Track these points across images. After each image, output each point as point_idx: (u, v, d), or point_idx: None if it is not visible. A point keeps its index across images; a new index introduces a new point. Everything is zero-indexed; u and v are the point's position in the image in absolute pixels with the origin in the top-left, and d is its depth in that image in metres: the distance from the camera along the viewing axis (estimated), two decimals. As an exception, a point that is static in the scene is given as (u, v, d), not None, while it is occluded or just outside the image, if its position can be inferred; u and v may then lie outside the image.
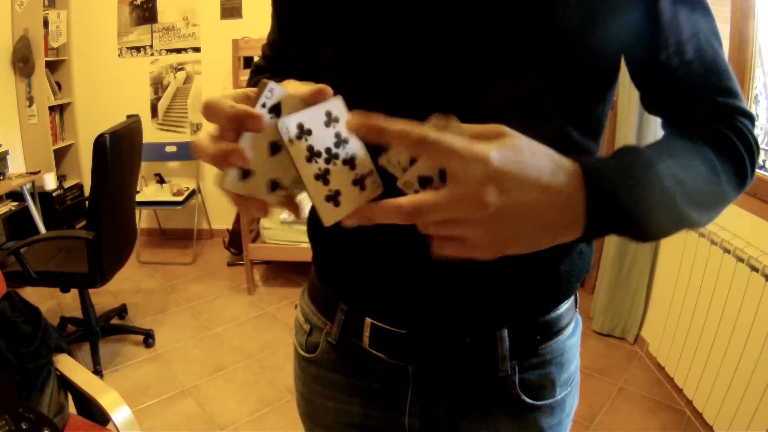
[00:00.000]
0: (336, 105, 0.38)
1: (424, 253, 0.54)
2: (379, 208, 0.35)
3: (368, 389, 0.65)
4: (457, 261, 0.54)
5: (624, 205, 0.39)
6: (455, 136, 0.34)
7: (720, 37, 0.47)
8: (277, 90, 0.37)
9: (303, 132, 0.36)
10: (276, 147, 0.38)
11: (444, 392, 0.61)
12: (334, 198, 0.37)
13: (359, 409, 0.66)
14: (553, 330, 0.61)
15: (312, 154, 0.37)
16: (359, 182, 0.38)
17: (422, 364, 0.61)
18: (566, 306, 0.62)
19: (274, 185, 0.39)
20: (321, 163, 0.37)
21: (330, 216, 0.37)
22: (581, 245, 0.60)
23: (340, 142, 0.38)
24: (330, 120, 0.37)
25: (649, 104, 0.51)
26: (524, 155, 0.35)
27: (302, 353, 0.70)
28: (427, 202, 0.34)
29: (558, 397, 0.63)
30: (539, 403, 0.61)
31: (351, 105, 0.38)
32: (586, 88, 0.50)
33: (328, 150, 0.37)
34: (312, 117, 0.37)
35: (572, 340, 0.64)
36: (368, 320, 0.61)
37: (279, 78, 0.65)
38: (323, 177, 0.37)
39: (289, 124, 0.36)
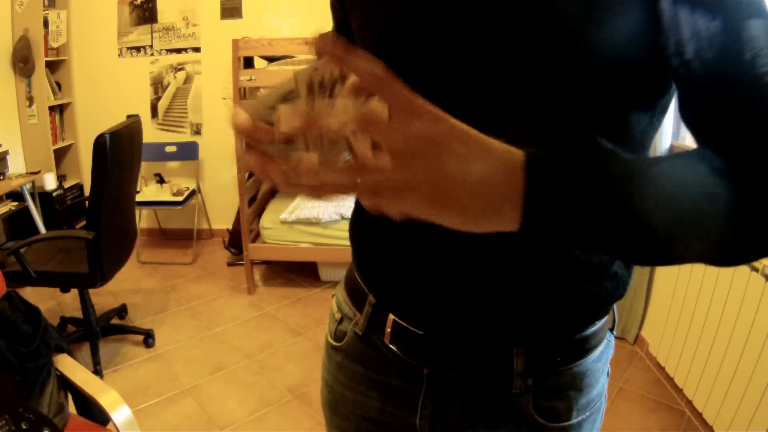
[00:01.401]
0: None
1: (452, 259, 0.55)
2: (327, 172, 0.34)
3: (386, 385, 0.65)
4: (482, 271, 0.54)
5: (564, 209, 0.36)
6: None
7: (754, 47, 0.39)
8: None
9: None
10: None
11: (455, 399, 0.61)
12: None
13: (377, 403, 0.67)
14: (575, 352, 0.59)
15: None
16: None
17: (435, 367, 0.61)
18: (593, 329, 0.59)
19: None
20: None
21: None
22: (616, 267, 0.56)
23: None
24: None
25: (680, 111, 0.46)
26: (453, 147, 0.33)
27: (330, 341, 0.72)
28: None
29: (574, 421, 0.61)
30: (552, 425, 0.60)
31: None
32: (612, 96, 0.47)
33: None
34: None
35: (598, 364, 0.61)
36: (391, 316, 0.62)
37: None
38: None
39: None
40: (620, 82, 0.47)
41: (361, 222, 0.67)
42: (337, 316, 0.72)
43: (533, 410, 0.59)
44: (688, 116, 0.45)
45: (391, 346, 0.63)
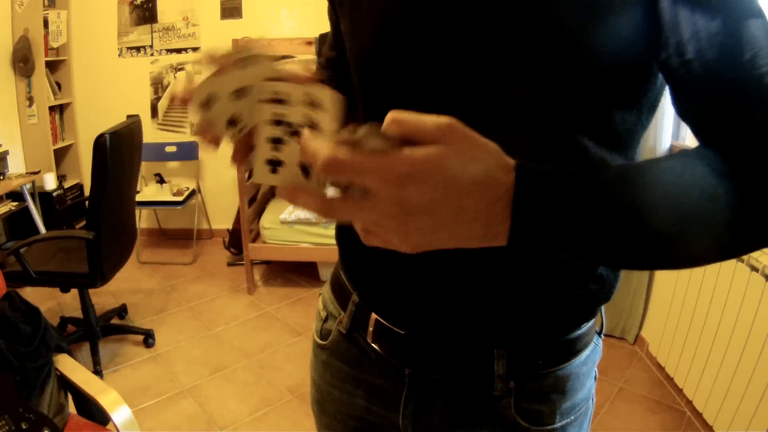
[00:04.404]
0: (325, 94, 0.37)
1: (434, 260, 0.54)
2: (303, 194, 0.36)
3: (371, 384, 0.65)
4: (463, 273, 0.54)
5: (557, 231, 0.36)
6: (365, 154, 0.33)
7: (753, 48, 0.39)
8: (251, 50, 0.42)
9: (277, 100, 0.38)
10: (241, 92, 0.41)
11: (437, 400, 0.61)
12: (273, 163, 0.39)
13: (362, 402, 0.67)
14: (559, 355, 0.59)
15: (277, 122, 0.38)
16: (305, 168, 0.38)
17: (416, 367, 0.61)
18: (578, 332, 0.59)
19: (232, 122, 0.42)
20: (280, 131, 0.38)
21: (261, 175, 0.39)
22: (601, 269, 0.56)
23: (311, 125, 0.38)
24: (309, 103, 0.38)
25: (677, 111, 0.47)
26: (447, 173, 0.34)
27: (316, 339, 0.73)
28: (336, 204, 0.36)
29: (557, 425, 0.60)
30: (535, 428, 0.59)
31: (361, 104, 0.39)
32: (598, 94, 0.47)
33: (291, 125, 0.38)
34: (293, 90, 0.38)
35: (583, 368, 0.61)
36: (373, 315, 0.62)
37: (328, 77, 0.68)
38: (274, 142, 0.38)
39: (266, 88, 0.38)
40: (611, 81, 0.47)
41: (349, 227, 0.67)
42: (323, 314, 0.72)
43: (515, 413, 0.59)
44: (687, 116, 0.45)
45: (373, 345, 0.63)
